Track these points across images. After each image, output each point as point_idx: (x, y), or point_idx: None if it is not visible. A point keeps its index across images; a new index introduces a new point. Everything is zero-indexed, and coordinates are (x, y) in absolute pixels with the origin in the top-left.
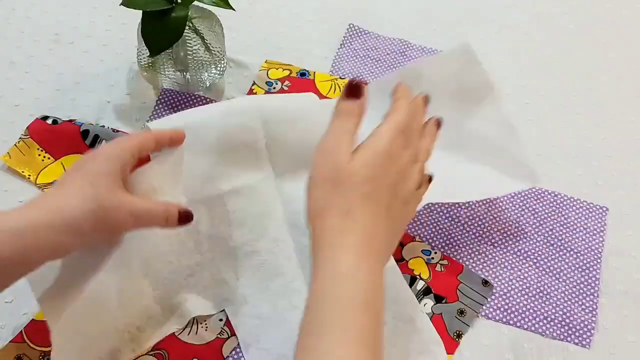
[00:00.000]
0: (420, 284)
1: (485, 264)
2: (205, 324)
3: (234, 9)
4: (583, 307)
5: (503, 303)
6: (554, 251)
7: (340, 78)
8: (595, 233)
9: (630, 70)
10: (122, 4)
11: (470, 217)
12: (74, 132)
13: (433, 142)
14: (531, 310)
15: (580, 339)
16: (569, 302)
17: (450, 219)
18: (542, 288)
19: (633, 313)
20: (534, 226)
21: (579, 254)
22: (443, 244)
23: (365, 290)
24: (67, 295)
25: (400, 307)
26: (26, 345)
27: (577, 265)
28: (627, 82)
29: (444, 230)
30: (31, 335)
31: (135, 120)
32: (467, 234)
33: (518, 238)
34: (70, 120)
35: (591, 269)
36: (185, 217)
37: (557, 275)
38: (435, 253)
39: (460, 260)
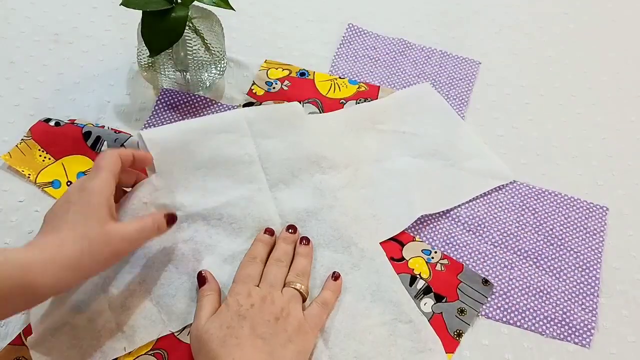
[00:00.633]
0: (420, 284)
1: (485, 264)
2: None
3: (233, 9)
4: (583, 307)
5: (503, 302)
6: (554, 251)
7: (340, 78)
8: (595, 233)
9: (630, 70)
10: (122, 4)
11: (470, 217)
12: (76, 134)
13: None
14: (531, 310)
15: (580, 338)
16: (569, 302)
17: (450, 219)
18: (542, 288)
19: (633, 313)
20: (534, 226)
21: (579, 254)
22: (443, 244)
23: None
24: (56, 301)
25: (399, 309)
26: (25, 348)
27: (577, 265)
28: (627, 82)
29: (444, 230)
30: None
31: (135, 120)
32: (467, 234)
33: (518, 238)
34: (72, 122)
35: (591, 268)
36: (171, 219)
37: (557, 275)
38: (436, 252)
39: (460, 260)
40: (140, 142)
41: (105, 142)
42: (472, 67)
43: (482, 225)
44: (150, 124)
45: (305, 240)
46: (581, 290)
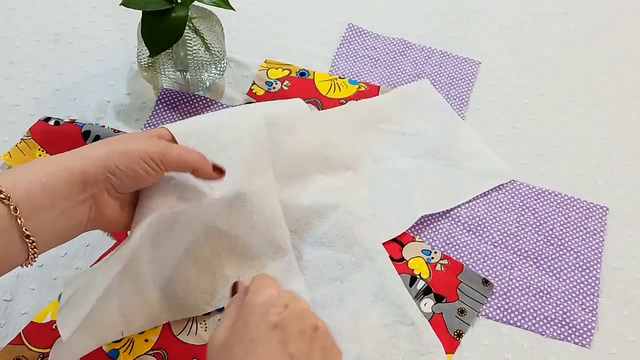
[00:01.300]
0: (420, 284)
1: (485, 264)
2: (205, 324)
3: (233, 9)
4: (583, 307)
5: (503, 303)
6: (554, 251)
7: (340, 78)
8: (595, 233)
9: (630, 70)
10: (122, 4)
11: (470, 217)
12: (75, 133)
13: None
14: (531, 310)
15: (580, 338)
16: (569, 302)
17: (450, 219)
18: (542, 288)
19: (633, 313)
20: (534, 226)
21: (579, 254)
22: (443, 244)
23: None
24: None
25: (400, 310)
26: (25, 348)
27: (577, 265)
28: (627, 82)
29: (444, 230)
30: (30, 337)
31: (135, 120)
32: (467, 234)
33: (518, 238)
34: (72, 122)
35: (591, 268)
36: (219, 169)
37: (557, 275)
38: (435, 253)
39: (460, 260)
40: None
41: None
42: (472, 67)
43: (482, 225)
44: (150, 124)
45: None
46: (581, 290)
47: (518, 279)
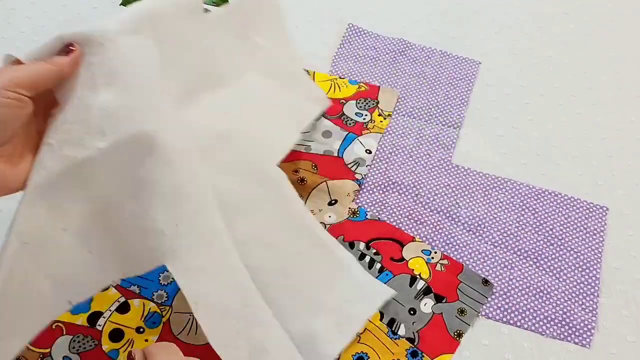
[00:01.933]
0: (420, 284)
1: (485, 264)
2: None
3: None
4: (583, 306)
5: (503, 302)
6: (554, 251)
7: (340, 78)
8: (595, 233)
9: (630, 70)
10: (121, 4)
11: (470, 217)
12: None
13: None
14: (531, 310)
15: (580, 338)
16: (569, 302)
17: (450, 219)
18: (542, 288)
19: (633, 313)
20: (534, 226)
21: (579, 254)
22: (443, 244)
23: None
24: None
25: (311, 232)
26: (25, 348)
27: (577, 265)
28: (627, 82)
29: (444, 230)
30: None
31: None
32: (467, 234)
33: (518, 238)
34: None
35: (591, 268)
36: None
37: (557, 275)
38: (435, 253)
39: (460, 260)
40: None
41: None
42: (472, 67)
43: (482, 225)
44: None
45: None
46: (581, 290)
47: (518, 279)
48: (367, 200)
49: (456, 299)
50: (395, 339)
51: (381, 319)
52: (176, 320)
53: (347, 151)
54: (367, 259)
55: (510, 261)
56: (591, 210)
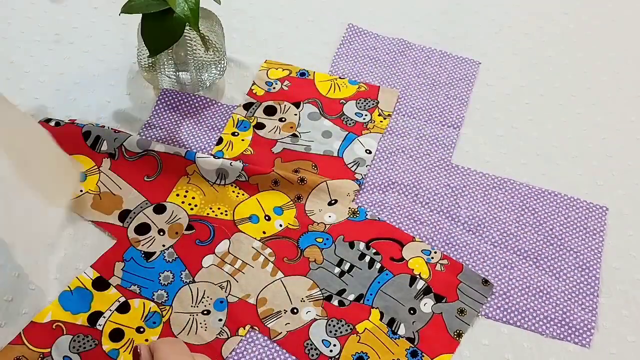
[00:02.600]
0: (420, 284)
1: (485, 264)
2: (205, 324)
3: (219, 2)
4: (583, 306)
5: (503, 302)
6: (553, 251)
7: (340, 78)
8: (595, 233)
9: (630, 70)
10: (122, 11)
11: (470, 217)
12: (75, 134)
13: None
14: (531, 310)
15: (580, 338)
16: (568, 302)
17: (450, 219)
18: (542, 287)
19: (633, 313)
20: (534, 226)
21: (578, 254)
22: (443, 244)
23: None
24: None
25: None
26: (25, 348)
27: (577, 265)
28: (627, 82)
29: (444, 230)
30: (30, 337)
31: (135, 120)
32: (467, 234)
33: (518, 238)
34: (72, 122)
35: (591, 268)
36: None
37: (557, 275)
38: (435, 253)
39: (460, 260)
40: None
41: (105, 142)
42: (472, 67)
43: (482, 225)
44: (150, 124)
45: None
46: (581, 290)
47: (518, 279)
48: (367, 200)
49: (456, 298)
50: (395, 339)
51: (381, 319)
52: (176, 320)
53: (347, 151)
54: (367, 258)
55: (510, 261)
56: (591, 210)
